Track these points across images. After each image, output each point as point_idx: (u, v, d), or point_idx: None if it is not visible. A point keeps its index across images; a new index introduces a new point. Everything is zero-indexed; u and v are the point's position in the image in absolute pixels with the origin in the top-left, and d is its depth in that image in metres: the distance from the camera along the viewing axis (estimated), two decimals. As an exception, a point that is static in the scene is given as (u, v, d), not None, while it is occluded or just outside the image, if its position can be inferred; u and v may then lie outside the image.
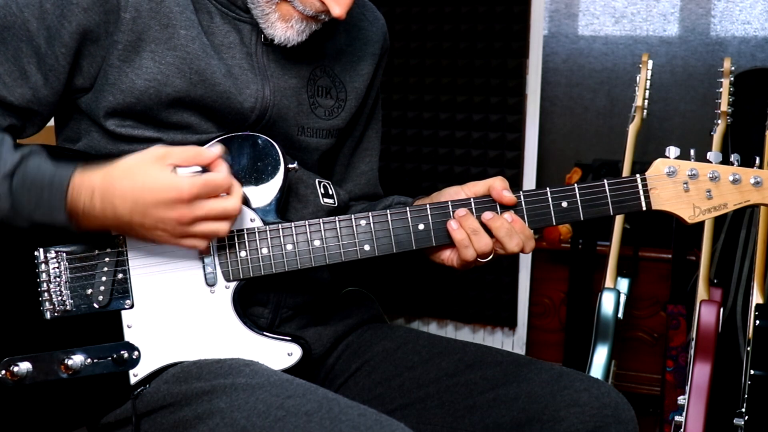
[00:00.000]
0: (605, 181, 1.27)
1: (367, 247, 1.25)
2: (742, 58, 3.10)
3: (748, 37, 3.12)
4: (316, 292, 1.39)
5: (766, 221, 2.12)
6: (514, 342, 3.09)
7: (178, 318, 1.22)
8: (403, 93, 3.12)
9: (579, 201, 1.27)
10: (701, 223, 2.17)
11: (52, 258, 1.20)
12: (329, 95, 1.39)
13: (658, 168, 1.28)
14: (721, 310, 2.14)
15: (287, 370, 1.23)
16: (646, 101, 2.45)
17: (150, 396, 1.20)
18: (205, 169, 1.14)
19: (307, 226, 1.24)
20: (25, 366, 1.17)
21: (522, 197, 1.27)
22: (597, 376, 2.25)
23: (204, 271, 1.22)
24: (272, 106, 1.31)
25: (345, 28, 1.42)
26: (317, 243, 1.25)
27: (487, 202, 1.27)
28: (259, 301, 1.31)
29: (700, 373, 2.08)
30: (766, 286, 2.11)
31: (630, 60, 3.22)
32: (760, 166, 1.29)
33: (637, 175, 1.28)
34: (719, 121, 2.32)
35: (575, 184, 1.27)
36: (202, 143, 1.26)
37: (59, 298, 1.19)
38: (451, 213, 1.26)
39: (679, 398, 2.11)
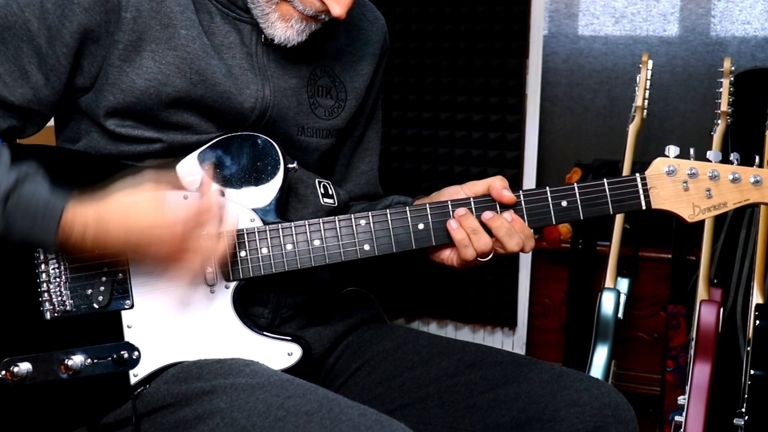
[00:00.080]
0: (605, 180, 1.27)
1: (366, 247, 1.25)
2: (742, 58, 3.10)
3: (748, 37, 3.12)
4: (316, 292, 1.39)
5: (766, 221, 2.12)
6: (514, 342, 3.09)
7: (178, 318, 1.22)
8: (403, 93, 3.12)
9: (579, 200, 1.27)
10: (701, 223, 2.18)
11: (52, 258, 1.20)
12: (329, 95, 1.39)
13: (657, 167, 1.28)
14: (721, 310, 2.14)
15: (287, 370, 1.23)
16: (646, 101, 2.45)
17: (150, 396, 1.20)
18: None
19: (307, 226, 1.24)
20: (25, 366, 1.17)
21: (522, 196, 1.27)
22: (597, 376, 2.25)
23: (204, 271, 1.22)
24: (272, 106, 1.31)
25: (345, 28, 1.42)
26: (317, 243, 1.25)
27: (487, 202, 1.27)
28: (259, 301, 1.31)
29: (700, 373, 2.08)
30: (766, 286, 2.11)
31: (630, 60, 3.22)
32: (760, 165, 1.29)
33: (637, 174, 1.28)
34: (719, 121, 2.32)
35: (575, 184, 1.27)
36: (201, 143, 1.26)
37: (59, 298, 1.19)
38: (451, 212, 1.26)
39: (679, 398, 2.11)
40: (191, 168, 1.25)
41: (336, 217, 1.25)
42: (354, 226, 1.25)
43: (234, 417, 1.10)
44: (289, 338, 1.26)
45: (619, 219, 2.41)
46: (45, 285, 1.19)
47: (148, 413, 1.20)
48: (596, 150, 3.27)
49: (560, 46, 3.33)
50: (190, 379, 1.18)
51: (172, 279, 1.18)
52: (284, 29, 1.25)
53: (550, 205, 1.27)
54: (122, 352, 1.20)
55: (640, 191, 1.27)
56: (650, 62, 2.45)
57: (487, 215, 1.25)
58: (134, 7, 1.21)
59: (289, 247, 1.24)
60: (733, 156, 1.29)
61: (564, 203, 1.27)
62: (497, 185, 1.26)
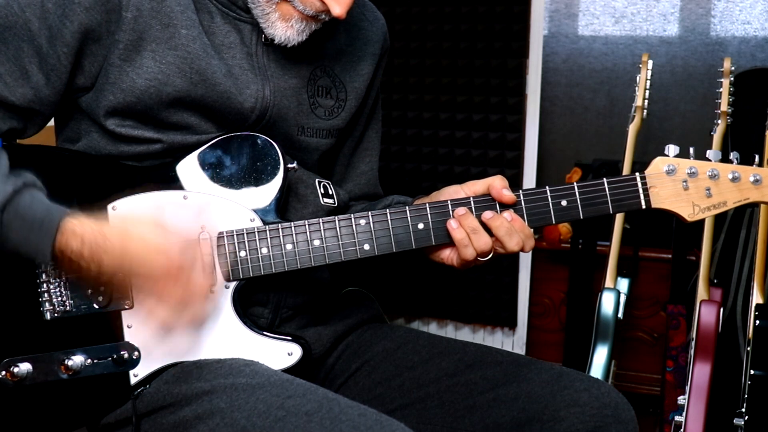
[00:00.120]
0: (605, 179, 1.27)
1: (366, 247, 1.25)
2: (742, 58, 3.10)
3: (748, 37, 3.12)
4: (316, 292, 1.39)
5: (766, 221, 2.12)
6: (514, 342, 3.09)
7: (178, 318, 1.22)
8: (403, 93, 3.12)
9: (578, 200, 1.27)
10: (701, 223, 2.18)
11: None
12: (329, 95, 1.39)
13: (657, 166, 1.28)
14: (721, 310, 2.13)
15: (287, 370, 1.23)
16: (646, 101, 2.45)
17: (150, 396, 1.20)
18: None
19: (307, 226, 1.24)
20: (25, 367, 1.17)
21: (521, 196, 1.27)
22: (597, 376, 2.25)
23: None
24: (272, 106, 1.31)
25: (345, 28, 1.42)
26: (317, 243, 1.25)
27: (487, 201, 1.27)
28: (259, 301, 1.31)
29: (700, 373, 2.08)
30: (766, 286, 2.11)
31: (630, 60, 3.22)
32: (760, 165, 1.29)
33: (637, 174, 1.28)
34: (719, 121, 2.32)
35: (575, 183, 1.27)
36: (201, 143, 1.26)
37: (59, 298, 1.19)
38: (451, 212, 1.26)
39: (679, 398, 2.11)
40: (191, 171, 1.25)
41: (336, 217, 1.25)
42: (354, 226, 1.25)
43: (234, 417, 1.10)
44: (289, 338, 1.26)
45: (619, 219, 2.41)
46: (45, 285, 1.19)
47: (148, 413, 1.20)
48: (596, 150, 3.27)
49: (560, 46, 3.33)
50: (190, 379, 1.18)
51: (161, 301, 1.18)
52: (284, 29, 1.25)
53: (550, 204, 1.27)
54: (122, 352, 1.20)
55: (640, 190, 1.27)
56: (650, 62, 2.45)
57: (487, 215, 1.25)
58: (135, 6, 1.21)
59: (289, 247, 1.24)
60: (732, 155, 1.29)
61: (564, 203, 1.27)
62: (497, 185, 1.26)
